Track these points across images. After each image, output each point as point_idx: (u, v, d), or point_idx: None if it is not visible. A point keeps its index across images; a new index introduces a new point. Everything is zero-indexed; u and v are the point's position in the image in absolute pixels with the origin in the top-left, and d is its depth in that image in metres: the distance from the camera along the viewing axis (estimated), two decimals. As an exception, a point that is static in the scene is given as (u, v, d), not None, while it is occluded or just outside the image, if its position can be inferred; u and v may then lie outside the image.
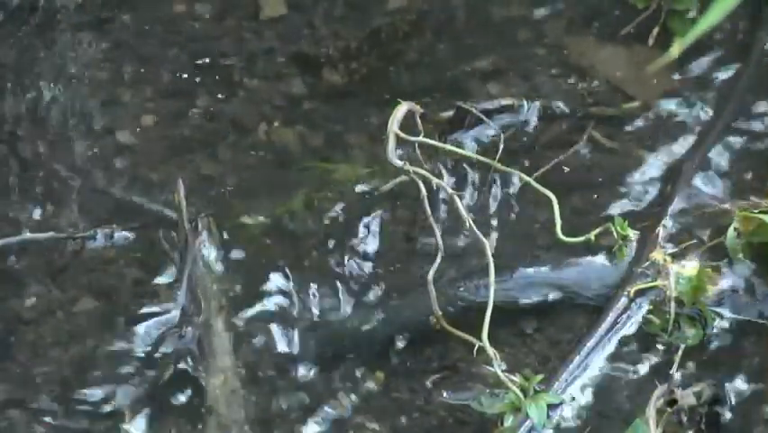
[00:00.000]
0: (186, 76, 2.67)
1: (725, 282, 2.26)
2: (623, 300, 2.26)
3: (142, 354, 2.32)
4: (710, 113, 2.55)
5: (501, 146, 2.46)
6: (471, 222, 2.31)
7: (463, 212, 2.34)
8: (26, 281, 2.40)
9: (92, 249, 2.43)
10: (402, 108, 2.38)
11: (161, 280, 2.38)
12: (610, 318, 2.26)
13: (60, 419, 2.25)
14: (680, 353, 2.21)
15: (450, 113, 2.55)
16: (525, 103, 2.55)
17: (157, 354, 2.32)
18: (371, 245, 2.42)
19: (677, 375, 2.16)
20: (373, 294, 2.36)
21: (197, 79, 2.67)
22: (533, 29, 2.69)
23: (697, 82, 2.59)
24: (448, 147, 2.46)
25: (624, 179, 2.48)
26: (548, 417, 2.15)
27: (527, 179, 2.40)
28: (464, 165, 2.47)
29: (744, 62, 2.60)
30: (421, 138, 2.42)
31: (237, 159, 2.54)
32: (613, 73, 2.61)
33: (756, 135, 2.51)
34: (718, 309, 2.26)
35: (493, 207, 2.44)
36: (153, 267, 2.41)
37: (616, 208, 2.41)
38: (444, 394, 2.25)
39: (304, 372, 2.29)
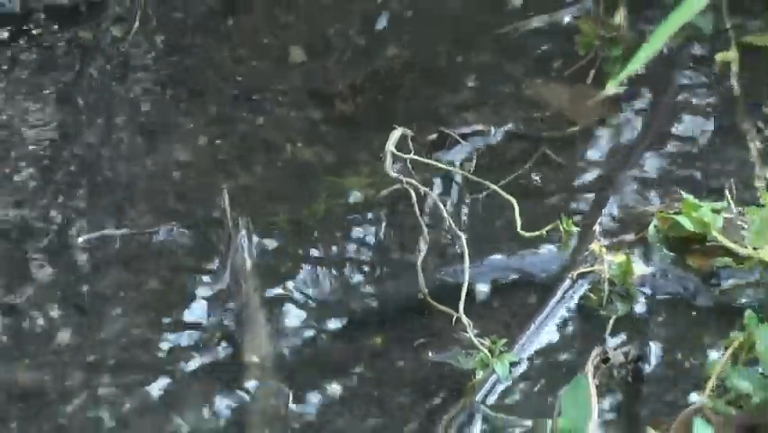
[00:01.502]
0: (228, 106, 2.65)
1: (646, 268, 2.26)
2: (567, 282, 2.28)
3: (195, 323, 2.32)
4: (635, 135, 2.54)
5: (474, 162, 2.51)
6: (451, 221, 2.36)
7: (444, 213, 2.38)
8: (105, 267, 2.39)
9: (156, 242, 2.43)
10: (397, 132, 2.42)
11: (210, 266, 2.38)
12: (558, 295, 2.28)
13: (125, 371, 2.24)
14: (611, 322, 2.23)
15: (434, 136, 2.55)
16: (492, 128, 2.56)
17: (206, 323, 2.32)
18: (372, 239, 2.43)
19: (609, 339, 2.16)
20: (373, 277, 2.37)
21: (237, 109, 2.64)
22: (500, 72, 2.71)
23: (625, 111, 2.58)
24: (433, 163, 2.46)
25: (569, 186, 2.50)
26: (510, 372, 2.15)
27: (494, 187, 2.43)
28: (446, 177, 2.47)
29: (661, 95, 2.60)
30: (412, 156, 2.42)
31: (268, 172, 2.54)
32: (560, 105, 2.60)
33: (671, 154, 2.50)
34: (641, 288, 2.25)
35: (467, 209, 2.44)
36: (204, 256, 2.40)
37: (563, 210, 2.40)
38: (430, 354, 2.25)
39: (319, 336, 2.29)
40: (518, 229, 2.35)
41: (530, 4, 2.77)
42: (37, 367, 2.25)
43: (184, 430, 2.17)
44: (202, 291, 2.36)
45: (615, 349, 2.16)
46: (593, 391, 2.01)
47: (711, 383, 2.01)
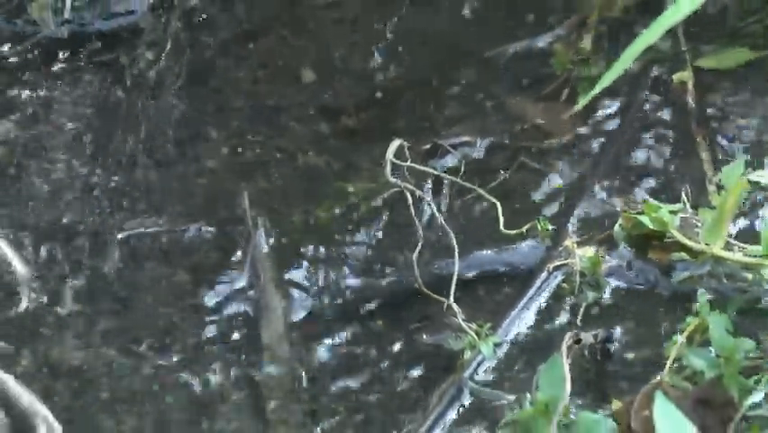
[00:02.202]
0: (248, 121, 2.66)
1: (612, 261, 2.27)
2: (544, 273, 2.25)
3: (219, 308, 2.32)
4: (603, 145, 2.55)
5: (462, 169, 2.48)
6: (442, 220, 2.36)
7: (437, 213, 2.38)
8: (142, 260, 2.39)
9: (186, 238, 2.43)
10: (395, 143, 2.42)
11: (233, 259, 2.38)
12: (536, 285, 2.25)
13: (158, 351, 2.25)
14: (583, 308, 2.20)
15: (427, 146, 2.54)
16: (478, 140, 2.56)
17: (228, 309, 2.31)
18: (374, 236, 2.42)
19: (581, 323, 2.17)
20: (374, 269, 2.36)
21: (256, 123, 2.64)
22: (484, 90, 2.69)
23: (594, 124, 2.59)
24: (426, 169, 2.46)
25: (545, 190, 2.47)
26: (494, 352, 2.16)
27: (480, 191, 2.41)
28: (438, 182, 2.48)
29: (626, 110, 2.61)
30: (408, 163, 2.43)
31: (283, 177, 2.52)
32: (538, 119, 2.61)
33: (634, 162, 2.51)
34: (609, 279, 2.26)
35: (457, 210, 2.44)
36: (227, 251, 2.38)
37: (540, 211, 2.41)
38: (424, 336, 2.24)
39: (327, 320, 2.29)
40: (501, 227, 2.35)
41: (511, 31, 2.78)
42: (82, 348, 2.26)
43: (210, 403, 2.18)
44: (225, 281, 2.35)
45: (585, 332, 2.15)
46: (567, 368, 2.01)
47: (670, 362, 2.02)
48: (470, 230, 2.38)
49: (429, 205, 2.40)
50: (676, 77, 2.63)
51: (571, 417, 1.97)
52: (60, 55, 2.79)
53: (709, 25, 2.70)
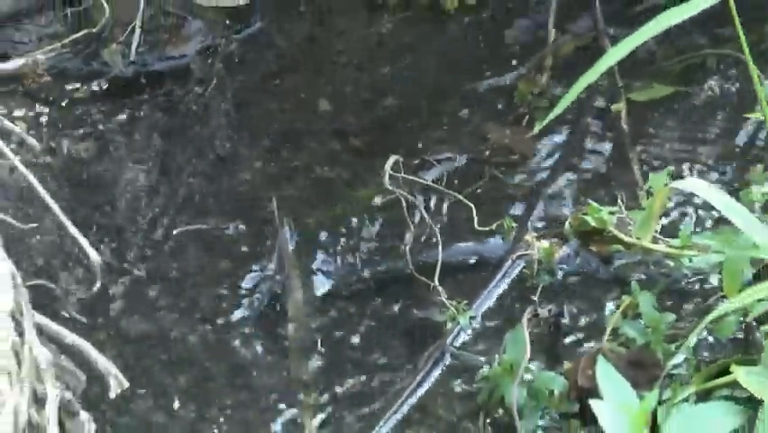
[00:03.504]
0: (276, 141, 2.65)
1: (563, 252, 2.27)
2: (509, 261, 2.25)
3: (253, 289, 2.31)
4: (557, 159, 2.56)
5: (445, 179, 2.48)
6: (429, 219, 2.36)
7: (425, 214, 2.37)
8: (191, 253, 2.40)
9: (226, 234, 2.42)
10: (392, 159, 2.40)
11: (263, 251, 2.37)
12: (503, 271, 2.25)
13: (205, 323, 2.25)
14: (539, 289, 2.20)
15: (418, 161, 2.54)
16: (458, 156, 2.56)
17: (259, 290, 2.30)
18: (375, 232, 2.42)
19: (537, 301, 2.17)
20: (375, 258, 2.35)
21: (282, 143, 2.63)
22: (463, 117, 2.69)
23: (549, 144, 2.60)
24: (417, 179, 2.46)
25: (510, 196, 2.46)
26: (470, 323, 2.16)
27: (459, 196, 2.40)
28: (426, 189, 2.48)
29: (574, 133, 2.62)
30: (402, 175, 2.43)
31: (303, 186, 2.51)
32: (505, 140, 2.61)
33: (581, 174, 2.52)
34: (560, 266, 2.25)
35: (441, 211, 2.44)
36: (259, 244, 2.36)
37: (506, 212, 2.41)
38: (414, 311, 2.25)
39: (338, 298, 2.29)
40: (475, 225, 2.34)
41: (484, 71, 2.78)
42: (144, 320, 2.26)
43: (246, 362, 2.18)
44: (257, 268, 2.35)
45: (542, 308, 2.15)
46: (527, 336, 2.02)
47: (608, 331, 2.03)
48: (450, 227, 2.38)
49: (419, 207, 2.39)
50: (613, 106, 2.63)
51: (530, 376, 1.98)
52: (126, 90, 2.79)
53: (640, 66, 2.70)
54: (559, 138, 2.59)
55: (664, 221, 2.29)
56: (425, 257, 2.30)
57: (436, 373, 2.11)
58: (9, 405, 1.30)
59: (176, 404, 2.12)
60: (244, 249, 2.40)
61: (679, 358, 1.85)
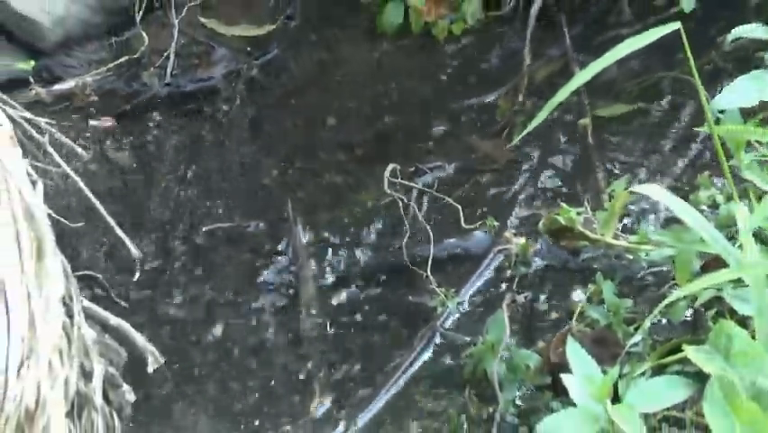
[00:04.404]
0: (291, 152, 2.65)
1: (537, 246, 2.27)
2: (491, 255, 2.27)
3: (271, 279, 2.32)
4: (532, 167, 2.56)
5: (436, 184, 2.48)
6: (422, 218, 2.38)
7: (418, 214, 2.38)
8: (218, 246, 2.40)
9: (248, 231, 2.44)
10: (390, 167, 2.46)
11: (281, 246, 2.39)
12: (485, 263, 2.26)
13: (230, 306, 2.26)
14: (517, 278, 2.22)
15: (412, 169, 2.55)
16: (446, 165, 2.56)
17: (277, 279, 2.33)
18: (376, 229, 2.43)
19: (515, 288, 2.18)
20: (376, 251, 2.36)
21: (296, 154, 2.64)
22: (451, 130, 2.69)
23: (525, 154, 2.60)
24: (412, 185, 2.47)
25: (491, 199, 2.49)
26: (457, 308, 2.16)
27: (448, 199, 2.45)
28: (420, 193, 2.49)
29: (547, 146, 2.61)
30: (399, 180, 2.44)
31: (314, 190, 2.53)
32: (486, 151, 2.62)
33: (552, 180, 2.52)
34: (535, 258, 2.26)
35: (432, 212, 2.45)
36: (277, 240, 2.40)
37: (488, 212, 2.41)
38: (409, 297, 2.26)
39: (344, 286, 2.30)
40: (462, 224, 2.37)
41: (469, 91, 2.78)
42: (177, 306, 2.27)
43: (264, 342, 2.19)
44: (275, 261, 2.36)
45: (519, 294, 2.18)
46: (506, 319, 2.02)
47: (576, 315, 2.03)
48: (440, 225, 2.40)
49: (413, 208, 2.41)
50: (580, 122, 2.64)
51: (509, 353, 1.97)
52: (163, 107, 2.79)
53: (604, 87, 2.71)
54: (534, 149, 2.60)
55: (625, 221, 2.32)
56: (419, 251, 2.32)
57: (428, 350, 2.12)
58: (60, 378, 1.29)
59: (203, 377, 2.13)
60: (263, 244, 2.42)
61: (637, 338, 1.85)
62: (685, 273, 1.56)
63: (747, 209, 1.29)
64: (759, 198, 1.30)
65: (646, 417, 1.17)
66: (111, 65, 2.75)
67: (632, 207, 2.36)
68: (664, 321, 2.01)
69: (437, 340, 2.13)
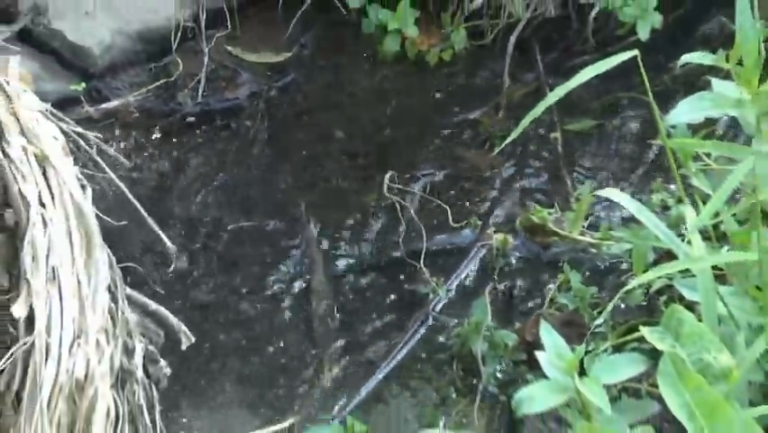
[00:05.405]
0: (303, 162, 2.61)
1: (515, 242, 2.27)
2: (475, 249, 2.27)
3: (286, 269, 2.30)
4: (510, 174, 2.55)
5: (428, 189, 2.48)
6: (416, 218, 2.37)
7: (413, 214, 2.38)
8: (242, 241, 2.37)
9: (268, 229, 2.42)
10: (389, 173, 2.44)
11: (294, 243, 2.37)
12: (470, 256, 2.26)
13: (251, 295, 2.24)
14: (497, 269, 2.22)
15: (408, 175, 2.54)
16: (437, 172, 2.56)
17: (291, 269, 2.30)
18: (376, 228, 2.41)
19: (496, 278, 2.17)
20: (376, 246, 2.34)
21: (307, 164, 2.59)
22: (440, 143, 2.67)
23: (505, 162, 2.59)
24: (407, 189, 2.46)
25: (476, 201, 2.47)
26: (447, 294, 2.15)
27: (438, 201, 2.43)
28: (413, 196, 2.48)
29: (523, 154, 2.61)
30: (397, 185, 2.43)
31: (324, 194, 2.50)
32: (472, 160, 2.61)
33: (528, 186, 2.51)
34: (513, 252, 2.26)
35: (425, 212, 2.44)
36: (292, 237, 2.36)
37: (473, 213, 2.41)
38: (405, 286, 2.25)
39: (349, 276, 2.29)
40: (450, 222, 2.36)
41: (457, 109, 2.76)
42: (206, 292, 2.25)
43: (280, 325, 2.18)
44: (290, 254, 2.33)
45: (499, 283, 2.19)
46: (488, 304, 2.03)
47: (548, 300, 2.04)
48: (432, 224, 2.38)
49: (409, 209, 2.40)
50: (552, 135, 2.64)
51: (490, 333, 1.98)
52: (195, 123, 2.79)
53: (572, 105, 2.70)
54: (512, 158, 2.58)
55: (590, 219, 2.30)
56: (414, 246, 2.31)
57: (421, 331, 2.13)
58: (106, 355, 1.29)
59: (228, 353, 2.12)
60: (280, 240, 2.39)
61: (600, 320, 1.87)
62: (641, 265, 1.57)
63: (694, 211, 1.29)
64: (704, 202, 1.31)
65: (608, 388, 1.18)
66: (150, 87, 2.75)
67: (596, 208, 2.36)
68: (623, 306, 2.02)
69: (429, 322, 2.14)
